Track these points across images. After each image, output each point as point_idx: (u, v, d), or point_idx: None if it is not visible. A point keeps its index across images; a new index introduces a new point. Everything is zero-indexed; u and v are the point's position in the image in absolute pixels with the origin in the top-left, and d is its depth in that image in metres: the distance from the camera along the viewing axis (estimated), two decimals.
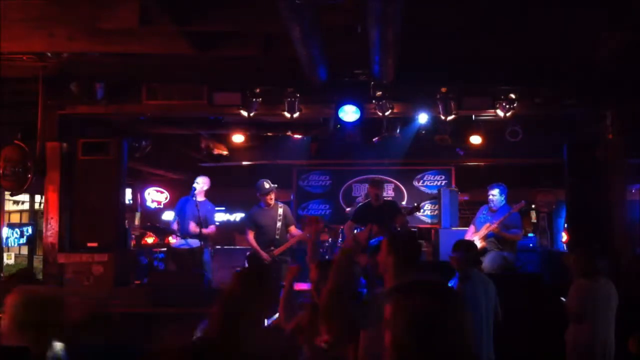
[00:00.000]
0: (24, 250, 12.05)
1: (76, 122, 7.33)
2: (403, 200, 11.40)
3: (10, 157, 6.72)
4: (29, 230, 10.04)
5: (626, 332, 4.42)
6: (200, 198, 7.88)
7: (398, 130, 8.66)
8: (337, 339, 3.08)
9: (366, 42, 5.38)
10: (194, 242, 7.64)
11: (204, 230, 7.58)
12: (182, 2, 5.26)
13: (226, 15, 5.46)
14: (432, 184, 11.65)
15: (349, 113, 6.88)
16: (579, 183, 7.31)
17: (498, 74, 6.79)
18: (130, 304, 6.53)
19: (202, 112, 7.52)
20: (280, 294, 4.07)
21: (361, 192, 11.03)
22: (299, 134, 9.43)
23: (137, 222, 12.55)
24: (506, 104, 6.84)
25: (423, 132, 8.94)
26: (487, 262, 7.22)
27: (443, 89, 6.89)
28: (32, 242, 10.13)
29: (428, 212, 11.56)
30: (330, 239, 8.92)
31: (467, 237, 7.31)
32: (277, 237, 7.57)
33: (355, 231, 7.27)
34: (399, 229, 7.07)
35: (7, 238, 9.42)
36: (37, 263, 9.98)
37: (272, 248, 7.50)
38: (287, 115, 6.95)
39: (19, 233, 9.73)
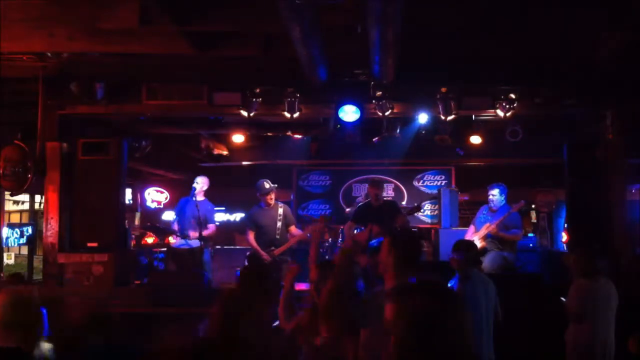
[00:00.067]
0: (24, 250, 12.03)
1: (76, 122, 7.34)
2: (403, 200, 11.40)
3: (10, 157, 6.72)
4: (29, 230, 10.03)
5: (626, 332, 4.42)
6: (200, 198, 7.88)
7: (398, 130, 8.66)
8: (337, 338, 3.09)
9: (366, 42, 5.38)
10: (194, 242, 7.65)
11: (204, 233, 7.58)
12: (182, 2, 5.26)
13: (226, 15, 5.46)
14: (432, 184, 11.65)
15: (349, 113, 6.88)
16: (579, 183, 7.31)
17: (498, 74, 6.79)
18: (130, 304, 6.53)
19: (202, 112, 7.52)
20: (280, 294, 4.07)
21: (361, 192, 11.03)
22: (299, 134, 9.43)
23: (137, 222, 12.55)
24: (506, 104, 6.84)
25: (423, 132, 8.94)
26: (487, 262, 7.22)
27: (443, 89, 6.89)
28: (32, 242, 10.12)
29: (428, 212, 11.56)
30: (330, 239, 8.92)
31: (467, 237, 7.31)
32: (278, 237, 7.56)
33: (355, 231, 7.27)
34: (399, 229, 7.07)
35: (7, 238, 9.42)
36: (37, 263, 9.97)
37: (273, 248, 7.49)
38: (287, 115, 6.95)
39: (19, 233, 9.73)
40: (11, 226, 10.10)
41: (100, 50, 6.13)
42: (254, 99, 6.87)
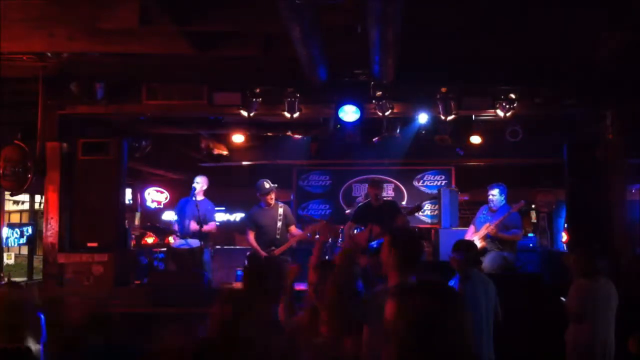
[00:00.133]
0: (24, 250, 12.05)
1: (76, 122, 7.34)
2: (403, 200, 11.40)
3: (10, 157, 6.72)
4: (29, 230, 10.05)
5: (626, 332, 4.42)
6: (200, 197, 7.89)
7: (398, 130, 8.66)
8: (337, 338, 3.09)
9: (366, 42, 5.38)
10: (194, 242, 7.64)
11: (204, 227, 7.58)
12: (182, 2, 5.26)
13: (226, 15, 5.46)
14: (432, 184, 11.65)
15: (349, 113, 6.88)
16: (579, 183, 7.31)
17: (498, 74, 6.79)
18: (130, 304, 6.53)
19: (202, 112, 7.52)
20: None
21: (361, 192, 11.03)
22: (299, 134, 9.43)
23: (137, 222, 12.55)
24: (506, 104, 6.84)
25: (423, 132, 8.94)
26: (487, 262, 7.22)
27: (443, 89, 6.89)
28: (32, 242, 10.14)
29: (428, 212, 11.56)
30: (330, 239, 8.91)
31: (467, 237, 7.31)
32: (278, 237, 7.56)
33: (355, 231, 7.27)
34: (399, 229, 7.06)
35: (7, 238, 9.42)
36: (37, 263, 9.99)
37: (273, 248, 7.49)
38: (287, 115, 6.95)
39: (19, 233, 9.74)
40: (11, 226, 10.12)
41: (100, 50, 6.12)
42: (254, 99, 6.87)
